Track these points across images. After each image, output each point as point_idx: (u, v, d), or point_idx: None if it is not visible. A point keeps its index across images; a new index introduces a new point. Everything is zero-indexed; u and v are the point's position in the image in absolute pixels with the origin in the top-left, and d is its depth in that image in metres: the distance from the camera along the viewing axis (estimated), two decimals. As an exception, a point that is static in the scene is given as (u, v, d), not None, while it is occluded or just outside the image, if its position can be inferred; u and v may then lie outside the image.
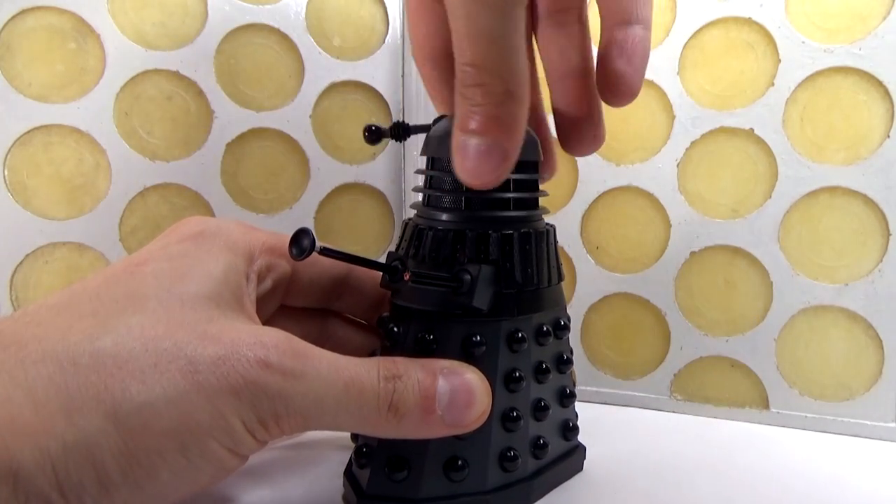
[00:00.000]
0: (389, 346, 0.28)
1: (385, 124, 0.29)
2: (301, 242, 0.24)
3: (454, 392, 0.25)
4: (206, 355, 0.23)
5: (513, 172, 0.27)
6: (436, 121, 0.29)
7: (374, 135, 0.29)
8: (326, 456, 0.34)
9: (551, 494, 0.30)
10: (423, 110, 0.45)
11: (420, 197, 0.30)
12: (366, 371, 0.25)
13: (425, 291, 0.27)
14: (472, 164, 0.24)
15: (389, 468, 0.26)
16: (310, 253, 0.24)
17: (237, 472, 0.26)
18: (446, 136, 0.27)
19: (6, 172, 0.40)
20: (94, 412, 0.21)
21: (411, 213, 0.30)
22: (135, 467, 0.21)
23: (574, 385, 0.31)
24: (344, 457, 0.31)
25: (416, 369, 0.25)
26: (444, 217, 0.28)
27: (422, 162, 0.30)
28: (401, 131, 0.29)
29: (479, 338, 0.26)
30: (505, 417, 0.27)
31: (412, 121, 0.31)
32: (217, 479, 0.24)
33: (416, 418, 0.25)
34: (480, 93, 0.23)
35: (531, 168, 0.29)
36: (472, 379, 0.26)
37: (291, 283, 0.32)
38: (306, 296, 0.33)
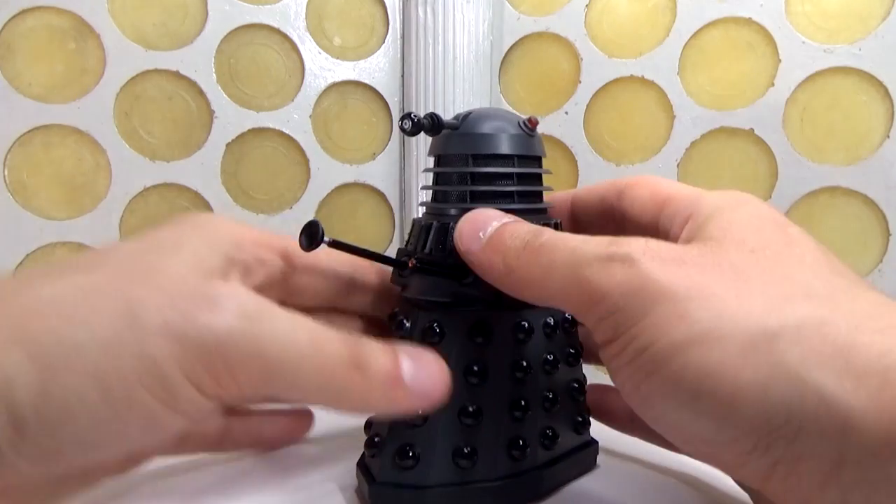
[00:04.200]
0: (398, 338, 0.28)
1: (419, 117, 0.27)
2: (311, 234, 0.24)
3: (416, 362, 0.24)
4: (150, 298, 0.21)
5: (516, 166, 0.27)
6: (462, 118, 0.28)
7: (415, 127, 0.27)
8: (341, 452, 0.33)
9: (563, 490, 0.30)
10: (422, 111, 0.45)
11: (428, 196, 0.30)
12: (331, 330, 0.23)
13: (433, 283, 0.27)
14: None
15: (399, 457, 0.26)
16: (318, 244, 0.24)
17: (253, 465, 0.25)
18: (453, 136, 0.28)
19: (6, 172, 0.39)
20: (13, 348, 0.20)
21: (411, 213, 0.30)
22: (49, 406, 0.20)
23: (585, 379, 0.31)
24: (358, 453, 0.31)
25: (377, 343, 0.24)
26: (452, 212, 0.28)
27: (430, 162, 0.30)
28: (435, 124, 0.28)
29: (485, 327, 0.26)
30: (513, 406, 0.27)
31: None
32: (151, 438, 0.22)
33: (383, 380, 0.23)
34: None
35: (534, 162, 0.29)
36: (430, 355, 0.25)
37: (294, 281, 0.32)
38: (312, 294, 0.33)
